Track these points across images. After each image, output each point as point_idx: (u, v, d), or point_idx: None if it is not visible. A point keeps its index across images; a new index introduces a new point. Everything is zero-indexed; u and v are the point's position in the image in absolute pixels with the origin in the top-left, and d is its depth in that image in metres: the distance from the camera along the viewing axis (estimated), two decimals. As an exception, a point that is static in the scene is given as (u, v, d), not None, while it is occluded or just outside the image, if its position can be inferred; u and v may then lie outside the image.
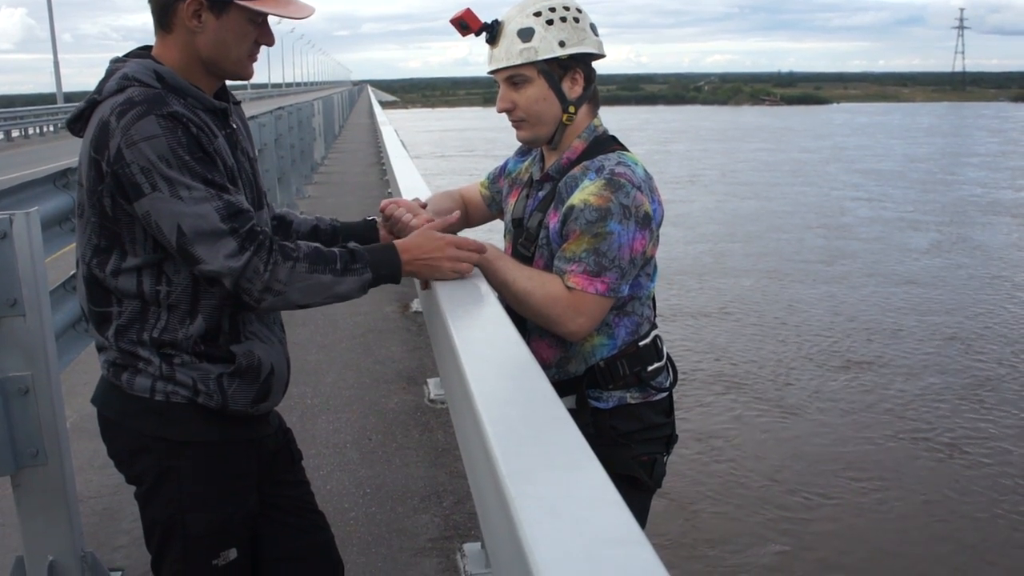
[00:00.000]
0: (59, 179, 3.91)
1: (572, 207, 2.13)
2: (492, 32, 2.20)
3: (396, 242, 2.07)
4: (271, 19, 1.95)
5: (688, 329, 11.44)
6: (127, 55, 1.95)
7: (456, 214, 2.34)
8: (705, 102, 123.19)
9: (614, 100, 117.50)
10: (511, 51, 2.17)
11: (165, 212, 1.77)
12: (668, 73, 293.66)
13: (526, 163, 2.51)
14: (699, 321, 11.86)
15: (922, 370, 9.90)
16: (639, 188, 2.12)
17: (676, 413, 2.42)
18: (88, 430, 4.50)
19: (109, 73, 1.89)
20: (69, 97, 39.89)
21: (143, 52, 1.95)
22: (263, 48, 1.99)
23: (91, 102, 1.88)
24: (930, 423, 8.39)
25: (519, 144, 2.50)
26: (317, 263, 1.87)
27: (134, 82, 1.83)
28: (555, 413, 1.35)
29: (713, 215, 21.16)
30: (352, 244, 1.99)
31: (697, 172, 30.55)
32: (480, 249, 2.12)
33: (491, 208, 2.66)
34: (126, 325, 1.90)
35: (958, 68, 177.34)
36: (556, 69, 2.18)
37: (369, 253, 1.97)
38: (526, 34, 2.15)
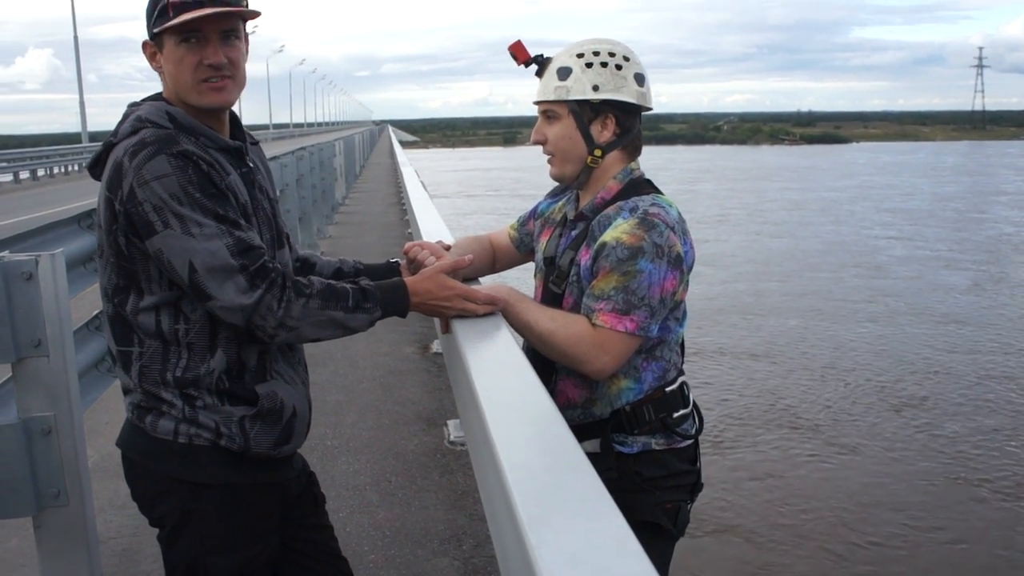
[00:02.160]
0: (83, 219, 3.96)
1: (604, 244, 2.14)
2: (541, 66, 2.29)
3: (408, 281, 2.08)
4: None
5: (737, 369, 11.44)
6: (144, 99, 2.01)
7: (468, 258, 2.33)
8: (724, 142, 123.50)
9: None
10: (548, 87, 2.25)
11: (177, 249, 1.80)
12: (687, 113, 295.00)
13: (560, 203, 2.53)
14: (748, 361, 11.86)
15: (974, 410, 9.80)
16: (672, 229, 2.13)
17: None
18: (109, 470, 4.51)
19: (125, 116, 1.95)
20: (93, 137, 40.55)
21: (158, 96, 2.01)
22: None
23: (107, 145, 1.93)
24: (986, 464, 8.28)
25: (547, 185, 2.56)
26: (329, 300, 1.90)
27: (147, 123, 1.88)
28: (576, 461, 1.34)
29: (747, 254, 21.18)
30: (364, 282, 2.01)
31: (726, 211, 30.58)
32: (491, 302, 2.13)
33: (520, 250, 2.67)
34: (148, 365, 1.92)
35: (978, 107, 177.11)
36: (587, 111, 2.23)
37: (380, 292, 1.99)
38: (564, 73, 2.22)
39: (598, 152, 2.26)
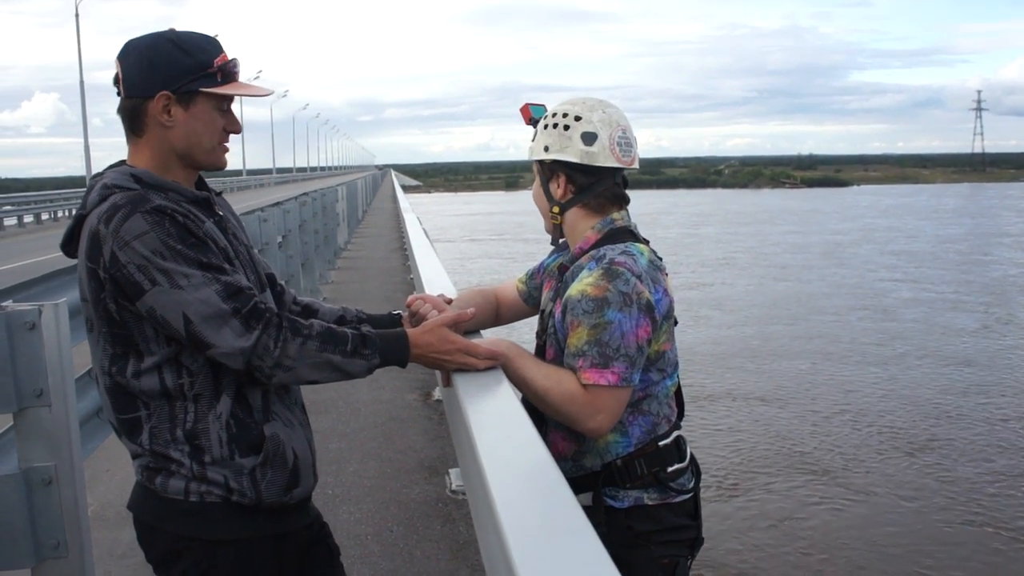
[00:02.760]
0: (83, 270, 3.97)
1: (569, 297, 2.17)
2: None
3: (410, 332, 2.08)
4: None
5: (750, 413, 11.40)
6: (104, 169, 2.01)
7: (471, 312, 2.31)
8: (726, 185, 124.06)
9: (636, 184, 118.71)
10: (530, 147, 2.39)
11: (169, 304, 1.81)
12: (688, 156, 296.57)
13: (561, 256, 2.54)
14: (757, 405, 11.80)
15: (988, 453, 9.72)
16: (639, 277, 2.13)
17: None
18: (109, 519, 4.49)
19: (90, 187, 1.96)
20: (98, 181, 40.64)
21: (119, 164, 2.01)
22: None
23: (79, 218, 1.94)
24: (1002, 507, 8.20)
25: (543, 230, 2.59)
26: (328, 343, 1.91)
27: (115, 189, 1.89)
28: (576, 522, 1.33)
29: (753, 298, 21.17)
30: (365, 328, 2.01)
31: (730, 255, 30.63)
32: (492, 356, 2.13)
33: (528, 303, 2.68)
34: (158, 426, 1.92)
35: (977, 149, 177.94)
36: (544, 170, 2.34)
37: (380, 340, 1.99)
38: (534, 135, 2.38)
39: (556, 209, 2.34)
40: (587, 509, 2.18)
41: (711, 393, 12.06)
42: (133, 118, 1.96)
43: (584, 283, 2.14)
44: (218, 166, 2.04)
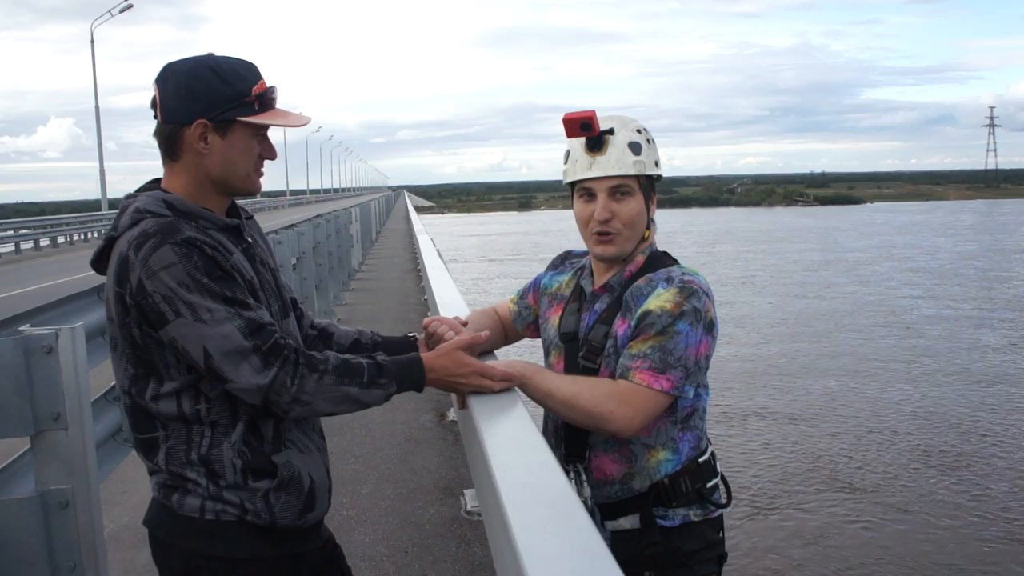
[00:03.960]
0: (102, 291, 3.99)
1: (648, 312, 2.14)
2: (601, 139, 2.20)
3: (424, 357, 2.08)
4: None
5: (781, 430, 11.41)
6: (138, 190, 2.03)
7: (485, 334, 2.31)
8: (739, 204, 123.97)
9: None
10: (623, 161, 2.19)
11: (191, 336, 1.83)
12: (701, 175, 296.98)
13: (565, 278, 2.51)
14: (790, 422, 11.82)
15: (1022, 470, 9.71)
16: (707, 295, 2.17)
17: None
18: (124, 540, 4.49)
19: (123, 209, 1.97)
20: (113, 204, 41.21)
21: (152, 185, 2.03)
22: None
23: (109, 239, 1.95)
24: None
25: (563, 249, 2.60)
26: (344, 376, 1.91)
27: (146, 214, 1.90)
28: (594, 545, 1.32)
29: (776, 315, 21.18)
30: (380, 357, 2.01)
31: (749, 273, 30.62)
32: (507, 378, 2.11)
33: (516, 324, 2.65)
34: (175, 447, 1.93)
35: (990, 166, 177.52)
36: (648, 186, 2.26)
37: (396, 367, 2.00)
38: (636, 148, 2.20)
39: (651, 226, 2.31)
40: (637, 532, 2.21)
41: (742, 411, 12.09)
42: (170, 143, 1.97)
43: (662, 299, 2.14)
44: (252, 191, 2.06)
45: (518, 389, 2.15)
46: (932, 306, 22.34)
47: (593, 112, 2.20)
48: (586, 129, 2.19)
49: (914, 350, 16.59)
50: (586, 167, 2.22)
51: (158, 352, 1.89)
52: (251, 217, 2.18)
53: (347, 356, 1.97)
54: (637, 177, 2.21)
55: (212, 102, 1.92)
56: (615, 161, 2.19)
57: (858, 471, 9.75)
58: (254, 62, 2.01)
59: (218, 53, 2.00)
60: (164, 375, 1.91)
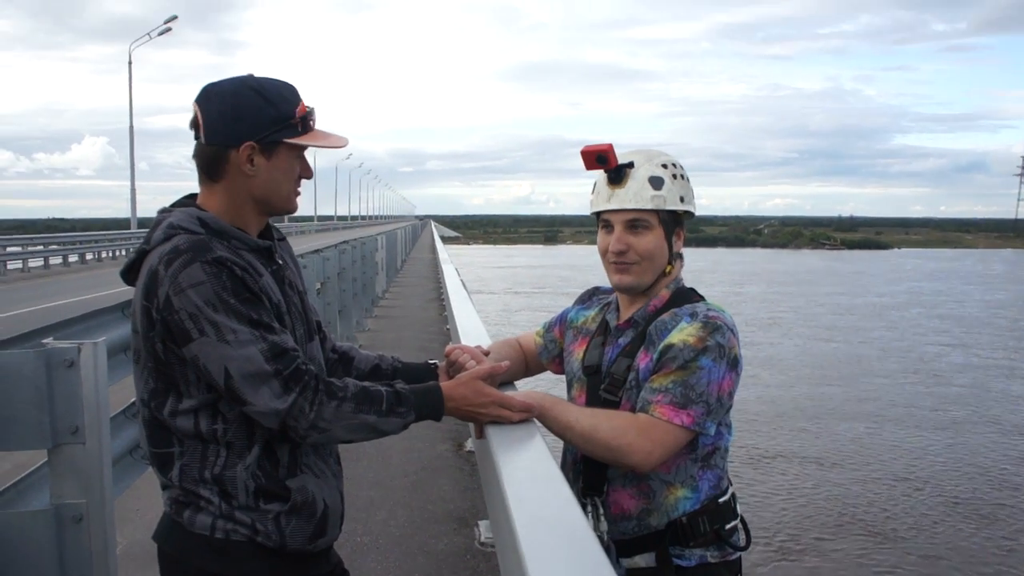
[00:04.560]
0: (126, 308, 4.02)
1: (671, 346, 2.14)
2: (620, 173, 2.23)
3: (444, 386, 2.07)
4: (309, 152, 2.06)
5: (809, 474, 11.33)
6: (173, 204, 2.04)
7: (505, 364, 2.31)
8: (765, 245, 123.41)
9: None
10: (641, 195, 2.21)
11: (213, 356, 1.82)
12: (728, 215, 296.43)
13: (592, 313, 2.52)
14: (818, 467, 11.73)
15: None
16: (732, 332, 2.16)
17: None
18: (137, 558, 4.47)
19: (156, 223, 1.97)
20: (142, 223, 41.66)
21: (187, 201, 2.04)
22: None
23: (141, 252, 1.96)
24: None
25: (589, 285, 2.58)
26: (363, 404, 1.91)
27: (179, 230, 1.91)
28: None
29: (803, 358, 21.05)
30: (399, 385, 2.00)
31: (776, 314, 30.47)
32: (527, 409, 2.10)
33: (541, 357, 2.65)
34: (188, 464, 1.93)
35: (1021, 215, 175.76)
36: (671, 222, 2.26)
37: (414, 396, 1.99)
38: (657, 183, 2.22)
39: (674, 262, 2.30)
40: (652, 570, 2.18)
41: (769, 452, 12.00)
42: (213, 164, 1.96)
43: (685, 333, 2.14)
44: (291, 210, 2.06)
45: (536, 420, 2.13)
46: (961, 354, 22.09)
47: (610, 145, 2.22)
48: (602, 162, 2.23)
49: (943, 398, 16.41)
50: (606, 199, 2.26)
51: (179, 369, 1.89)
52: (284, 239, 2.19)
53: (366, 384, 1.96)
54: (657, 212, 2.22)
55: (259, 124, 1.93)
56: (633, 195, 2.21)
57: (887, 518, 9.63)
58: (293, 83, 2.02)
59: (257, 74, 2.01)
60: (184, 392, 1.90)
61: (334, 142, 2.05)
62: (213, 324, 1.82)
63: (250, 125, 1.93)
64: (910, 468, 11.64)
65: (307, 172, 2.06)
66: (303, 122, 1.98)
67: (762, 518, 9.12)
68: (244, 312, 1.84)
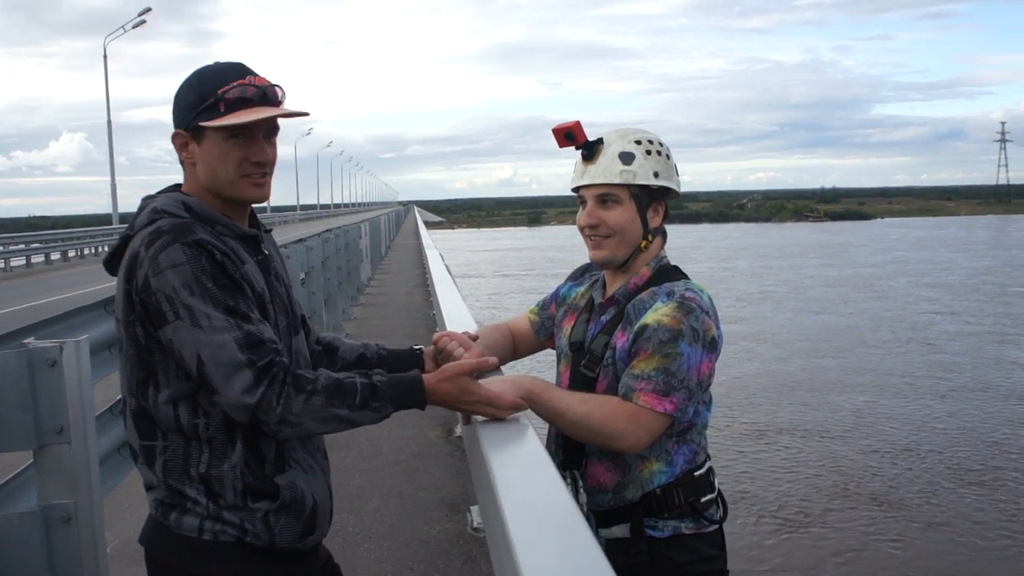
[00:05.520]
0: (109, 304, 3.99)
1: (645, 326, 2.16)
2: (591, 149, 2.27)
3: (427, 379, 2.01)
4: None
5: (812, 446, 11.42)
6: (158, 192, 2.02)
7: (493, 360, 2.23)
8: (749, 219, 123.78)
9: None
10: (610, 171, 2.24)
11: (187, 341, 1.79)
12: (711, 191, 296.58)
13: (582, 289, 2.54)
14: (819, 438, 11.82)
15: None
16: (707, 313, 2.17)
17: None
18: (128, 556, 4.46)
19: (140, 208, 1.95)
20: (123, 218, 41.42)
21: (173, 187, 2.02)
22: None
23: (124, 238, 1.93)
24: None
25: (576, 265, 2.60)
26: (334, 397, 1.85)
27: (163, 214, 1.88)
28: (595, 562, 1.30)
29: (795, 331, 21.19)
30: (377, 377, 1.94)
31: (765, 288, 30.60)
32: (516, 408, 2.08)
33: (539, 336, 2.65)
34: (172, 459, 1.89)
35: (1002, 181, 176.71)
36: (645, 197, 2.26)
37: (392, 389, 1.93)
38: (627, 158, 2.24)
39: (651, 237, 2.30)
40: (626, 541, 2.22)
41: (769, 427, 12.12)
42: (178, 154, 1.99)
43: (660, 313, 2.15)
44: (244, 198, 1.97)
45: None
46: (952, 322, 22.29)
47: (577, 123, 2.27)
48: (570, 139, 2.28)
49: (938, 366, 16.59)
50: (580, 175, 2.31)
51: (159, 354, 1.85)
52: (269, 231, 2.15)
53: (341, 376, 1.90)
54: (628, 186, 2.24)
55: (182, 110, 1.93)
56: (602, 170, 2.25)
57: (890, 488, 9.76)
58: (243, 62, 1.96)
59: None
60: (162, 381, 1.87)
61: (261, 113, 1.90)
62: (187, 308, 1.78)
63: (179, 113, 1.94)
64: (911, 438, 11.78)
65: (258, 155, 1.93)
66: (228, 102, 1.88)
67: (768, 491, 9.23)
68: (221, 298, 1.80)
